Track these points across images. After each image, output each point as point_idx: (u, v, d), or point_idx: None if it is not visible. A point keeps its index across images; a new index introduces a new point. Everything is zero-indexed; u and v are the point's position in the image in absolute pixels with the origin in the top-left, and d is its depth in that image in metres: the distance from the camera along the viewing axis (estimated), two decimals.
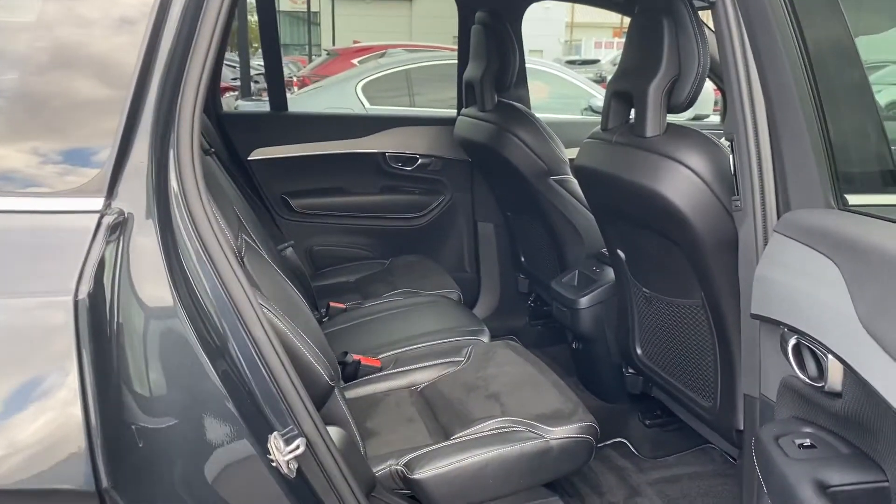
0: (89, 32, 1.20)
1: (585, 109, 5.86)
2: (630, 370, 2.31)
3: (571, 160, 2.40)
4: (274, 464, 1.16)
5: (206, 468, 1.15)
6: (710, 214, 1.61)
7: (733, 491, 2.14)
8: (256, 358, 1.21)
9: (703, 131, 1.72)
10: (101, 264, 1.07)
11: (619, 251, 2.14)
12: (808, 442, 1.21)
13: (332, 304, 2.61)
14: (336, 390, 1.63)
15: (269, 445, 1.16)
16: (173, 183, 1.18)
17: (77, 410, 1.02)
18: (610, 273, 2.38)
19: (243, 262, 1.58)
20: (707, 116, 4.27)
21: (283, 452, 1.16)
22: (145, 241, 1.14)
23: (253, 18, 9.53)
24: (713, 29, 1.51)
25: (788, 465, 1.15)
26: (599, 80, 10.08)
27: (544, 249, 2.86)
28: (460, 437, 1.69)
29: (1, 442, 1.01)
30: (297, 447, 1.17)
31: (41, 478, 1.02)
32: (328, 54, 11.82)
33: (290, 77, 10.46)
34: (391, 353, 2.15)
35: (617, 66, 1.92)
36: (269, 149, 3.18)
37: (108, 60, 1.19)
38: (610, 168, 1.89)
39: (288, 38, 27.61)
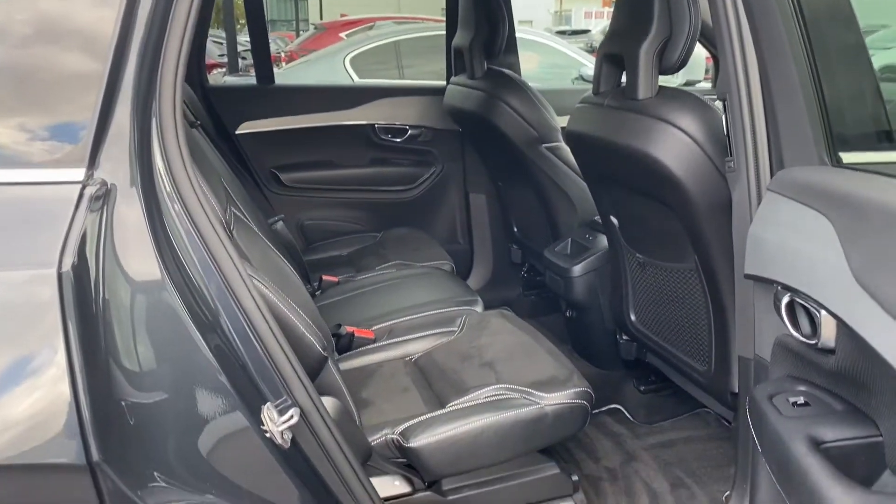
0: (67, 2, 1.17)
1: (576, 79, 5.81)
2: (624, 337, 2.31)
3: (563, 128, 2.38)
4: (268, 435, 1.15)
5: (200, 440, 1.14)
6: (704, 176, 1.60)
7: (729, 454, 2.15)
8: (248, 330, 1.19)
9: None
10: (84, 236, 1.05)
11: (612, 218, 2.12)
12: (801, 400, 1.21)
13: (324, 277, 2.60)
14: (330, 361, 1.62)
15: (262, 416, 1.15)
16: (157, 152, 1.16)
17: (65, 384, 1.00)
18: (603, 240, 2.37)
19: (232, 235, 1.57)
20: (698, 81, 4.24)
21: (276, 423, 1.15)
22: (130, 212, 1.12)
23: None
24: None
25: (782, 423, 1.15)
26: (590, 51, 10.00)
27: (537, 219, 2.85)
28: (455, 405, 1.68)
29: None
30: (291, 417, 1.17)
31: (31, 453, 1.01)
32: (315, 28, 11.69)
33: (278, 53, 10.35)
34: (385, 324, 2.15)
35: (608, 28, 1.89)
36: (257, 122, 3.14)
37: (85, 30, 1.16)
38: (602, 132, 1.87)
39: (275, 14, 27.27)
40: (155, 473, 1.10)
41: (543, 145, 2.61)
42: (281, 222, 2.65)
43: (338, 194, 3.29)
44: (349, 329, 2.07)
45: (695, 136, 1.60)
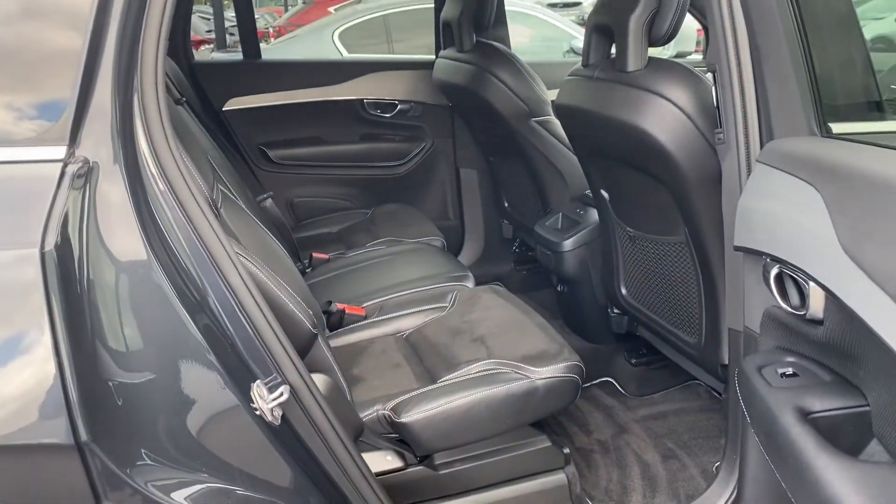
0: None
1: (567, 52, 5.75)
2: (615, 310, 2.32)
3: (553, 102, 2.35)
4: (258, 413, 1.15)
5: (189, 420, 1.14)
6: (694, 149, 1.59)
7: (719, 425, 2.17)
8: (236, 308, 1.19)
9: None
10: (67, 215, 1.03)
11: (602, 191, 2.12)
12: (790, 371, 1.22)
13: (314, 254, 2.59)
14: (320, 338, 1.62)
15: (252, 394, 1.15)
16: (139, 129, 1.14)
17: (51, 365, 0.99)
18: (594, 215, 2.36)
19: (219, 213, 1.55)
20: (689, 53, 4.20)
21: (266, 400, 1.14)
22: (113, 191, 1.10)
23: None
24: None
25: (770, 394, 1.16)
26: (581, 23, 9.90)
27: (528, 194, 2.83)
28: (447, 380, 1.69)
29: None
30: (281, 395, 1.16)
31: (18, 434, 1.01)
32: (303, 2, 11.52)
33: (266, 28, 10.20)
34: (375, 301, 2.14)
35: None
36: (245, 98, 3.11)
37: (62, 2, 1.13)
38: (591, 105, 1.85)
39: None
40: (144, 452, 1.09)
41: (533, 119, 2.59)
42: (270, 200, 2.63)
43: (327, 170, 3.26)
44: (340, 306, 2.06)
45: (684, 107, 1.59)
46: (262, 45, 3.35)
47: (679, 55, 3.95)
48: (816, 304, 1.15)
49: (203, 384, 1.14)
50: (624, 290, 2.18)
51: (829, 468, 0.99)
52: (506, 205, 3.09)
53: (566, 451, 1.77)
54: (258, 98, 3.11)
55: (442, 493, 1.67)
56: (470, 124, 3.11)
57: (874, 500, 0.96)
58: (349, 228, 2.92)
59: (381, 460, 1.63)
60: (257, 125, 3.14)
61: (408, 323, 2.04)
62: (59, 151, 1.08)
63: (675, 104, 1.59)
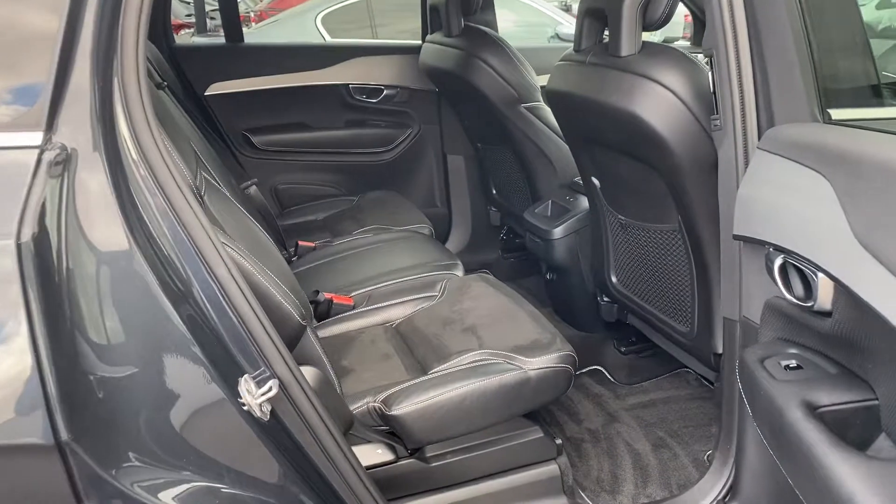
0: None
1: (552, 37, 5.71)
2: (605, 298, 2.30)
3: (543, 87, 2.32)
4: (246, 408, 1.11)
5: (175, 416, 1.10)
6: (689, 136, 1.56)
7: (709, 414, 2.17)
8: (222, 299, 1.14)
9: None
10: (44, 205, 0.98)
11: (593, 179, 2.09)
12: (794, 363, 1.19)
13: (300, 242, 2.54)
14: (308, 329, 1.58)
15: (239, 389, 1.11)
16: (120, 114, 1.09)
17: (29, 360, 0.95)
18: (584, 202, 2.34)
19: (203, 201, 1.50)
20: (677, 39, 4.18)
21: (254, 395, 1.11)
22: (93, 179, 1.05)
23: None
24: None
25: (775, 387, 1.13)
26: (566, 9, 9.85)
27: (516, 180, 2.80)
28: (438, 371, 1.66)
29: None
30: (270, 389, 1.13)
31: None
32: None
33: (247, 13, 10.05)
34: (364, 290, 2.10)
35: None
36: (228, 83, 3.04)
37: None
38: (583, 91, 1.82)
39: None
40: (129, 452, 1.05)
41: (523, 105, 2.56)
42: (254, 187, 2.58)
43: (312, 157, 3.21)
44: (327, 295, 2.02)
45: (680, 93, 1.56)
46: (244, 30, 3.27)
47: (666, 41, 3.93)
48: (825, 295, 1.12)
49: (188, 378, 1.10)
50: (614, 279, 2.16)
51: (841, 465, 0.97)
52: (493, 192, 3.06)
53: (558, 441, 1.75)
54: (241, 83, 3.05)
55: (434, 486, 1.65)
56: (458, 110, 3.07)
57: (892, 499, 0.93)
58: (335, 216, 2.88)
59: (372, 453, 1.60)
60: (240, 110, 3.07)
61: (397, 312, 2.01)
62: (35, 137, 1.03)
63: (669, 90, 1.57)
